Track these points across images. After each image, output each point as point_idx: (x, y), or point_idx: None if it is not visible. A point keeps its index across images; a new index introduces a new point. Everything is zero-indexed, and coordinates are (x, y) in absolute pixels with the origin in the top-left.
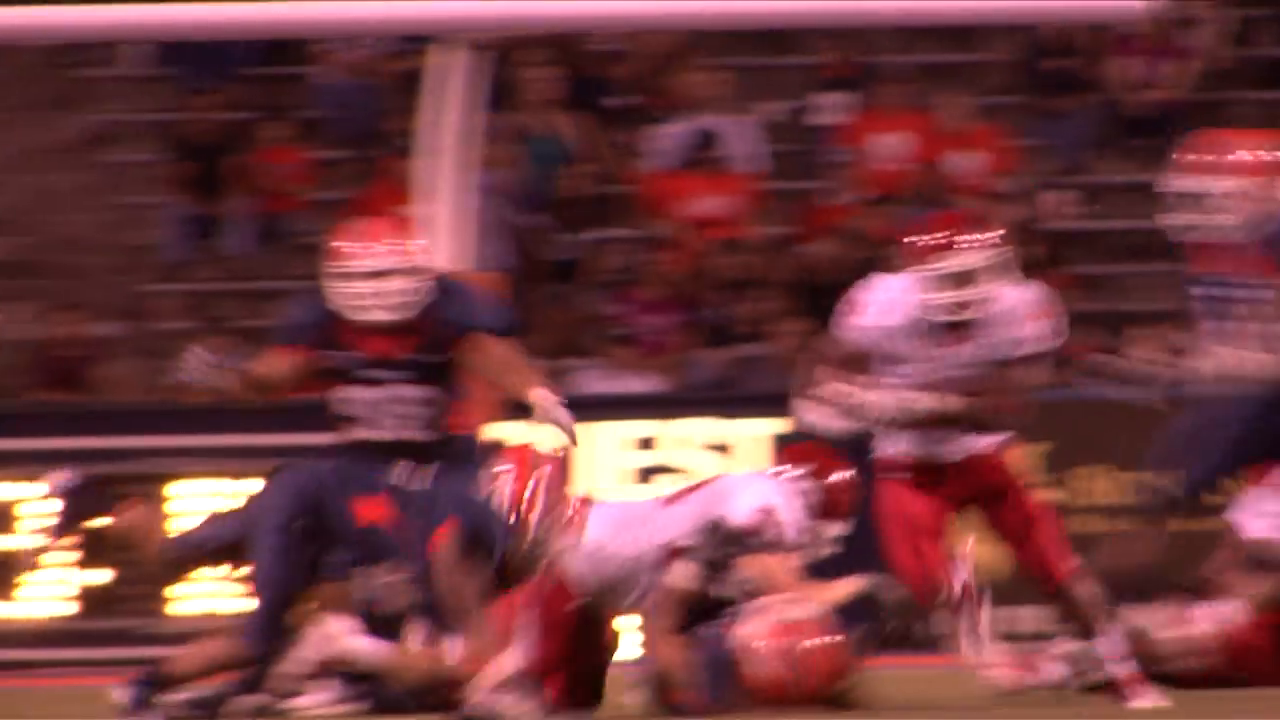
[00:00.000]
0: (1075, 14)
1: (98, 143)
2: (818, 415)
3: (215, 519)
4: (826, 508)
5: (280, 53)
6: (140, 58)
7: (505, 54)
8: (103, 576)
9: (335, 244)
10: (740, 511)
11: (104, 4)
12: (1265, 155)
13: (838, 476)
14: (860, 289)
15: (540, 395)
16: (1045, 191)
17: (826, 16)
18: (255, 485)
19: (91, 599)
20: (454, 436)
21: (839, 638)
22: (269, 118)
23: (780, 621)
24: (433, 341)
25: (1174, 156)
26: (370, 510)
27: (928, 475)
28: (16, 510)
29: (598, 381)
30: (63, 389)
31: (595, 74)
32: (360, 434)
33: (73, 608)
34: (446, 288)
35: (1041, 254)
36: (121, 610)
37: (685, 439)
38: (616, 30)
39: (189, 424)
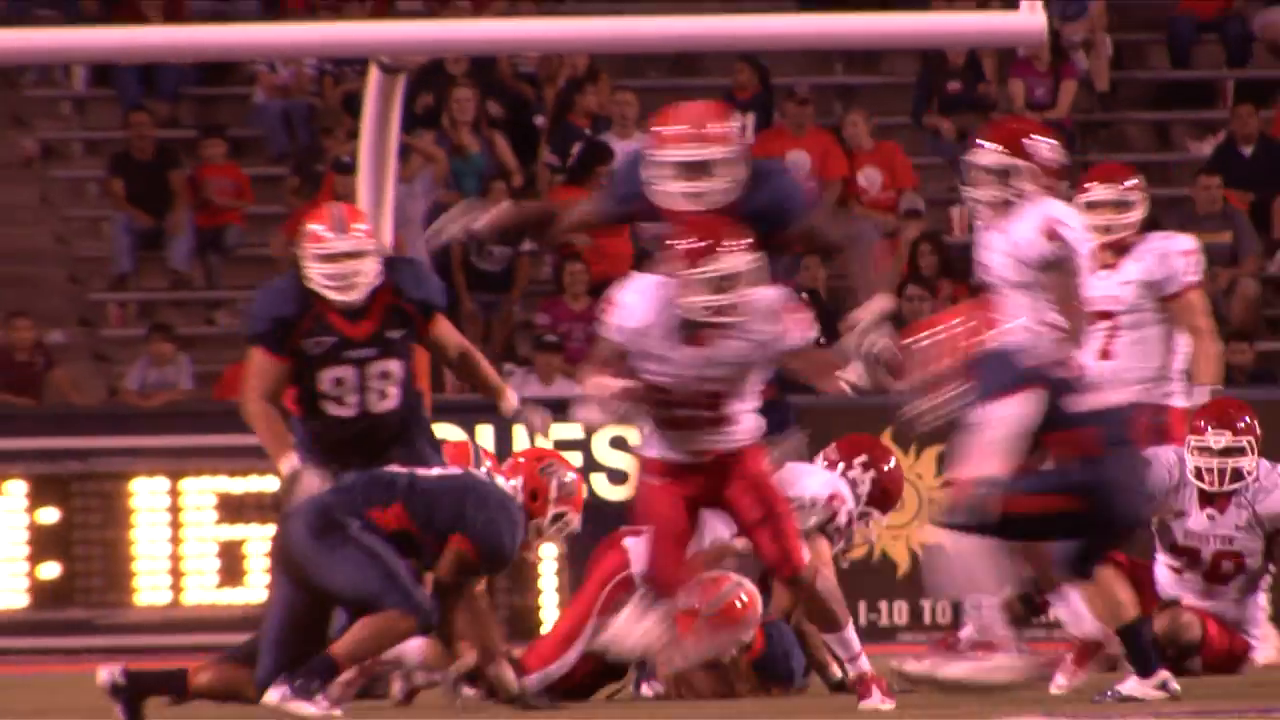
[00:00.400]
0: (976, 38)
1: (47, 159)
2: (586, 412)
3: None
4: (877, 497)
5: (217, 74)
6: (84, 78)
7: (428, 74)
8: (53, 570)
9: (313, 228)
10: (811, 494)
11: (48, 29)
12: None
13: (889, 467)
14: (618, 288)
15: (510, 397)
16: (949, 206)
17: (733, 40)
18: (209, 484)
19: (43, 592)
20: (417, 408)
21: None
22: (207, 136)
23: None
24: (399, 319)
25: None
26: (387, 519)
27: (677, 474)
28: None
29: (529, 388)
30: (19, 393)
31: (516, 93)
32: (341, 412)
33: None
34: (398, 266)
35: (943, 266)
36: (75, 602)
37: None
38: (531, 53)
39: (141, 426)
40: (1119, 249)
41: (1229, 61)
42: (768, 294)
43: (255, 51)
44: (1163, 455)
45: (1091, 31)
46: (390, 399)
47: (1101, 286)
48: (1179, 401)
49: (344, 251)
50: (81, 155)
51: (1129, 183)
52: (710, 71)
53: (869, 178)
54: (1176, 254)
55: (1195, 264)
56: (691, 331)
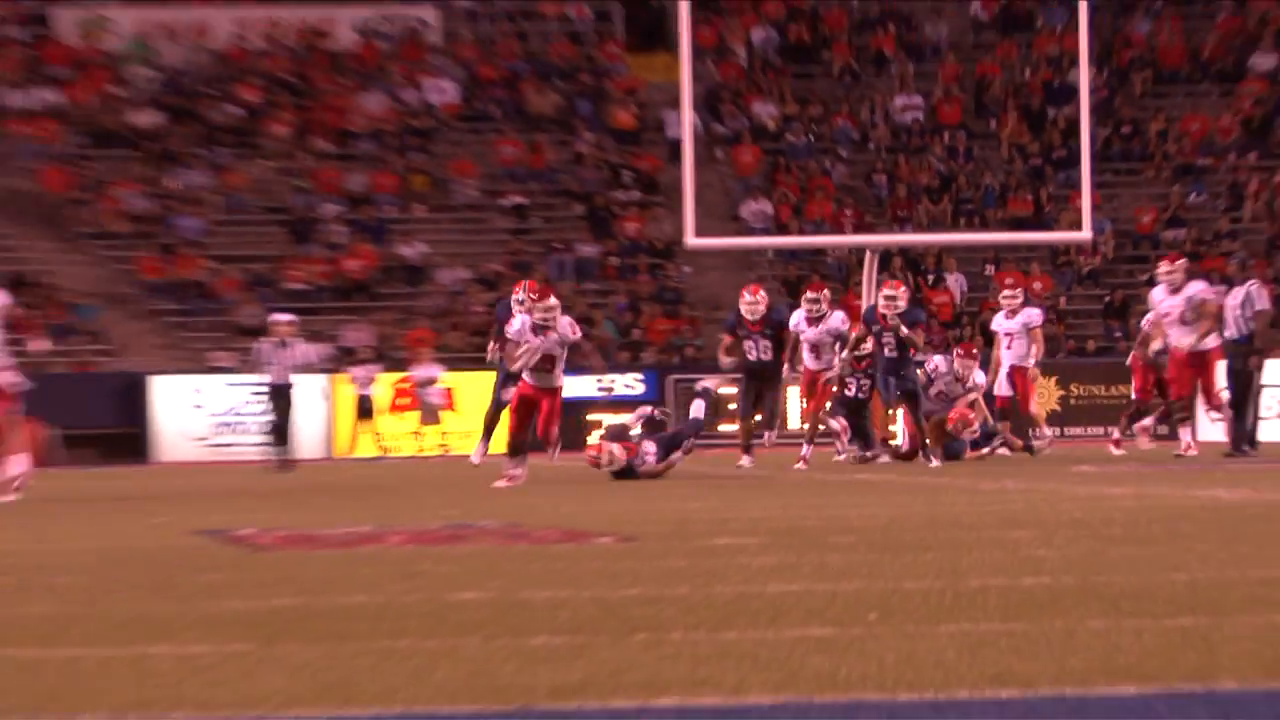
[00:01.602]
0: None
1: None
2: (518, 365)
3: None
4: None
5: None
6: None
7: None
8: None
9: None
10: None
11: None
12: None
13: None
14: (507, 312)
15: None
16: None
17: None
18: None
19: None
20: None
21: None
22: None
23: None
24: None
25: None
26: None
27: (534, 390)
28: None
29: None
30: None
31: None
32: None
33: None
34: None
35: None
36: None
37: None
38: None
39: None
40: None
41: None
42: (562, 319)
43: None
44: None
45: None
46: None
47: None
48: None
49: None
50: None
51: None
52: None
53: None
54: None
55: None
56: (539, 331)
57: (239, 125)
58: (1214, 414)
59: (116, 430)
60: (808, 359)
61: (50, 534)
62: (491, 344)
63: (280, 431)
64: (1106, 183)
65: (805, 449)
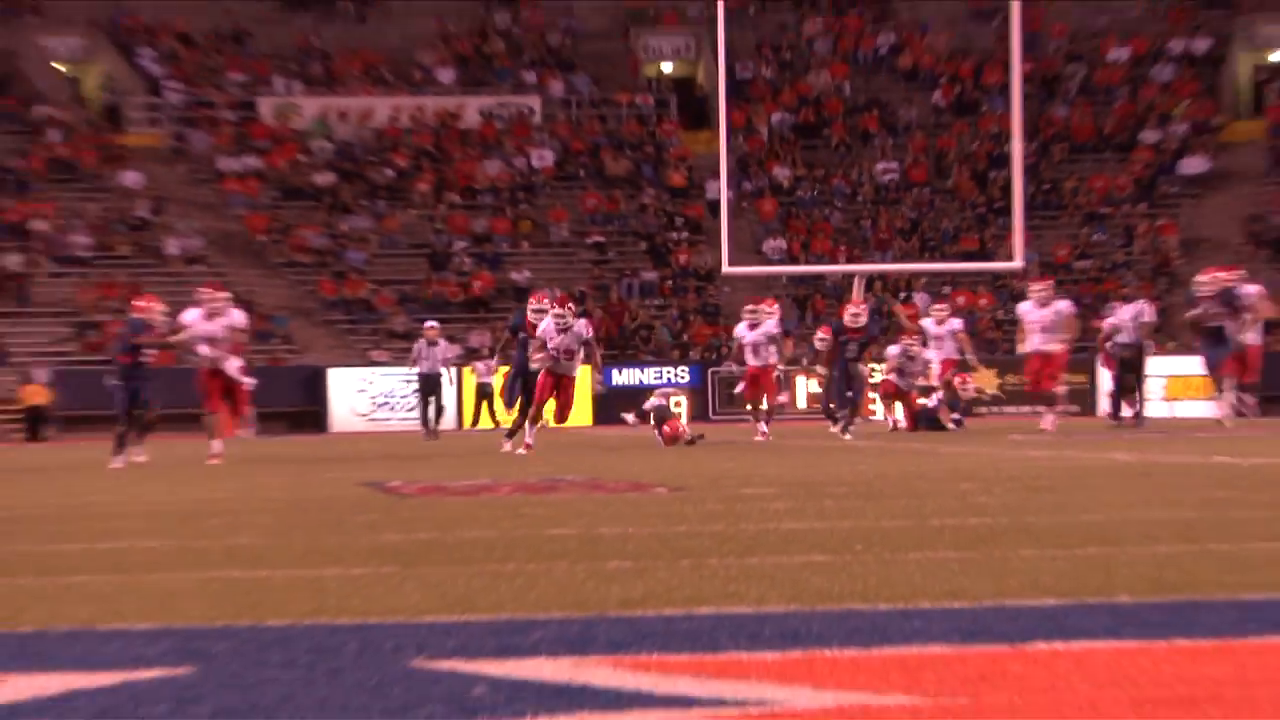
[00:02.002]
0: None
1: None
2: (538, 363)
3: None
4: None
5: None
6: None
7: None
8: None
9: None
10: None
11: None
12: None
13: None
14: (521, 318)
15: None
16: None
17: None
18: None
19: None
20: None
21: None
22: None
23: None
24: None
25: None
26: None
27: (556, 376)
28: None
29: None
30: None
31: None
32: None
33: None
34: None
35: None
36: None
37: None
38: None
39: None
40: None
41: None
42: (578, 321)
43: None
44: None
45: None
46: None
47: None
48: None
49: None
50: None
51: None
52: None
53: None
54: None
55: None
56: (562, 330)
57: (392, 184)
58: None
59: (301, 409)
60: (749, 358)
61: (251, 486)
62: (505, 339)
63: (429, 410)
64: (1034, 226)
65: (763, 426)
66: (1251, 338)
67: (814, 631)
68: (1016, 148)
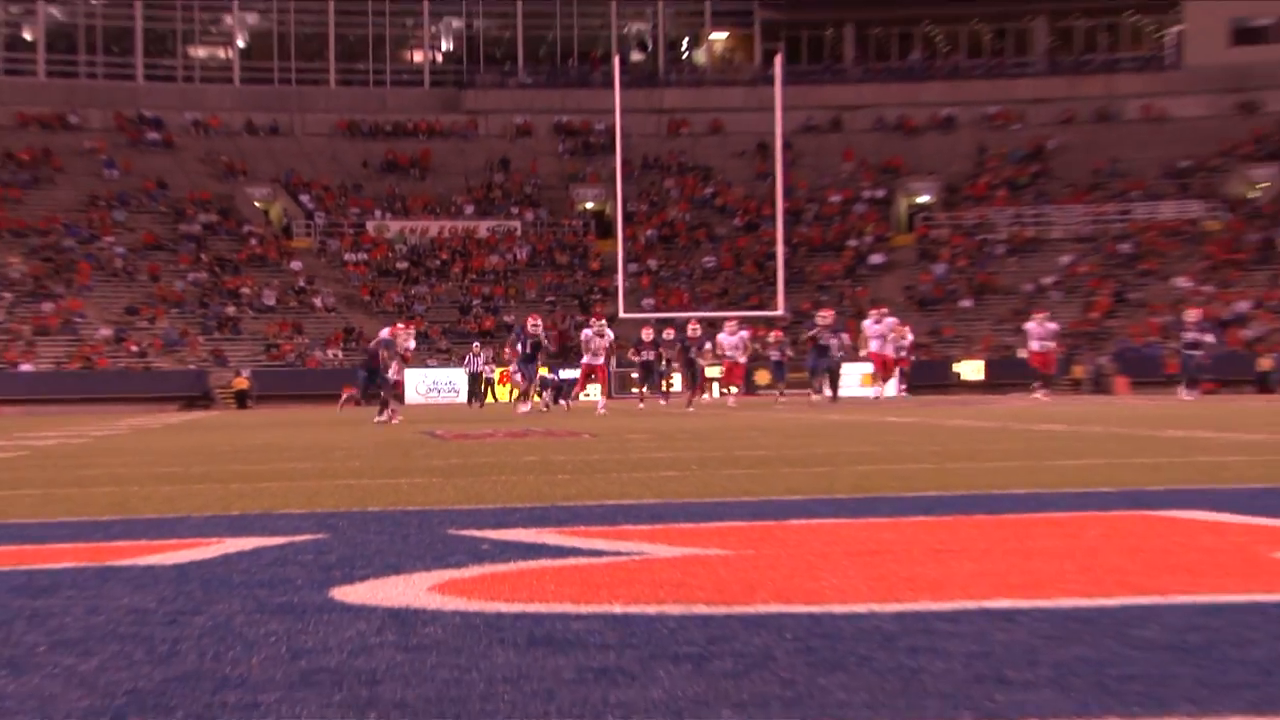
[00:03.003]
0: None
1: None
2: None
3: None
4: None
5: None
6: None
7: None
8: None
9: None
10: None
11: None
12: None
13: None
14: (522, 332)
15: None
16: None
17: None
18: None
19: None
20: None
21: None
22: None
23: None
24: None
25: None
26: None
27: (592, 366)
28: None
29: None
30: None
31: None
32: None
33: None
34: None
35: None
36: None
37: None
38: None
39: None
40: None
41: None
42: (608, 329)
43: None
44: None
45: None
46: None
47: None
48: None
49: None
50: None
51: None
52: None
53: None
54: None
55: None
56: (599, 335)
57: (439, 269)
58: (878, 387)
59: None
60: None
61: (358, 433)
62: (507, 349)
63: (472, 393)
64: (793, 290)
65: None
66: (889, 349)
67: (669, 514)
68: (779, 250)
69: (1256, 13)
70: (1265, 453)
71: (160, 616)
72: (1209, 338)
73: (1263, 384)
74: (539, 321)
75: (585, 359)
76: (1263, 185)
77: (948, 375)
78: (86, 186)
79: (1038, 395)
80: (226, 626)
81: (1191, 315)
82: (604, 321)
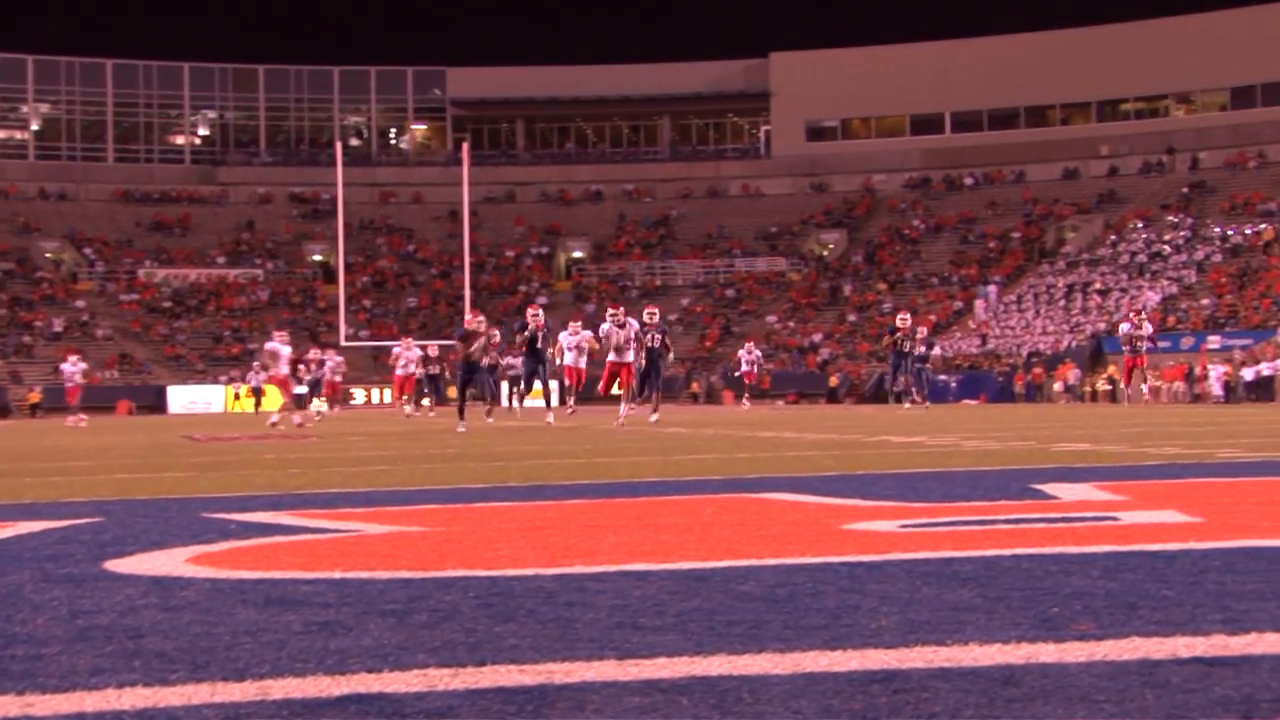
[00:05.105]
0: None
1: None
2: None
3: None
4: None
5: None
6: None
7: None
8: None
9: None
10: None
11: None
12: None
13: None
14: (524, 325)
15: None
16: None
17: None
18: None
19: None
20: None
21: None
22: None
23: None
24: None
25: None
26: None
27: (616, 366)
28: None
29: None
30: None
31: None
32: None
33: None
34: None
35: None
36: None
37: None
38: None
39: None
40: None
41: None
42: (632, 320)
43: None
44: None
45: None
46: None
47: None
48: None
49: None
50: None
51: None
52: None
53: None
54: None
55: None
56: (620, 327)
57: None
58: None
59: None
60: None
61: (127, 441)
62: (517, 339)
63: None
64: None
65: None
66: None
67: (380, 499)
68: (467, 293)
69: (825, 116)
70: (835, 449)
71: None
72: (758, 359)
73: (832, 396)
74: (539, 311)
75: (611, 357)
76: (830, 246)
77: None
78: None
79: (745, 405)
80: (17, 594)
81: (747, 345)
82: (622, 310)
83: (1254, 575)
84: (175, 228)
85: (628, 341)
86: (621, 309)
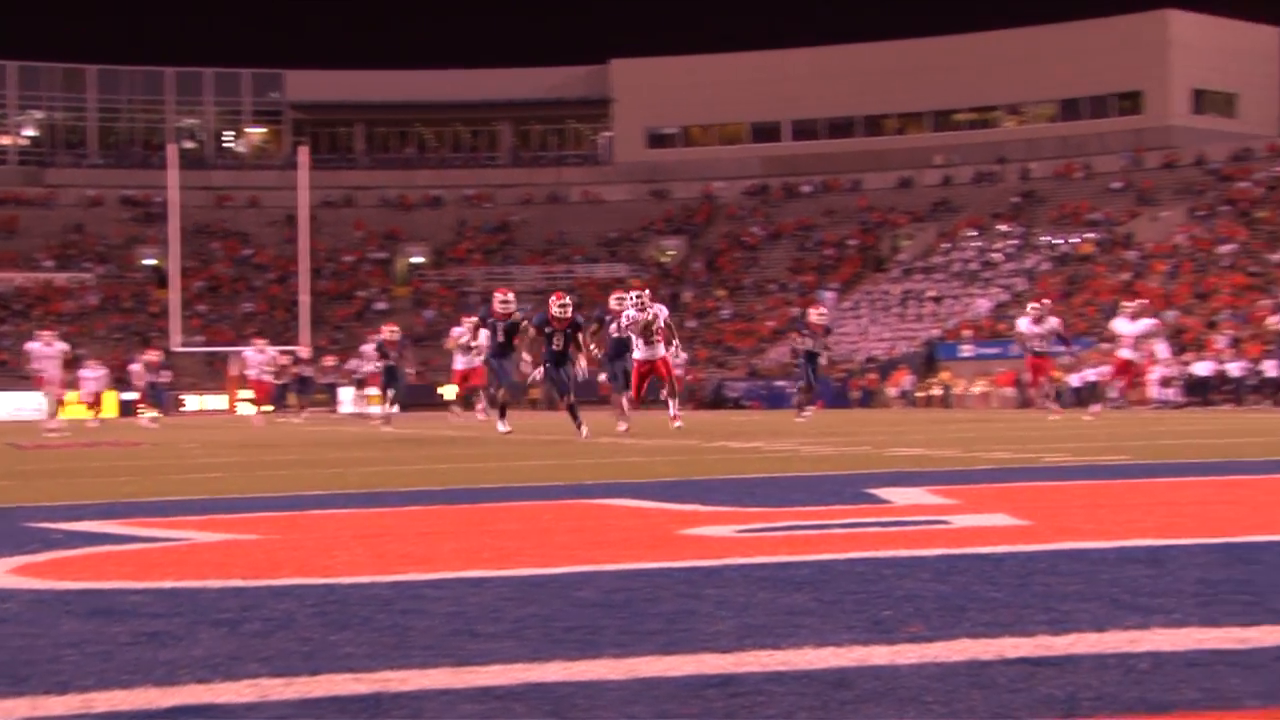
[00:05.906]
0: None
1: None
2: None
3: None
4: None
5: None
6: None
7: None
8: None
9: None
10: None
11: None
12: None
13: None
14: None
15: None
16: None
17: None
18: None
19: None
20: None
21: None
22: None
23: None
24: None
25: None
26: None
27: (646, 365)
28: None
29: None
30: None
31: None
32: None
33: None
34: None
35: None
36: None
37: None
38: None
39: None
40: None
41: None
42: (661, 306)
43: None
44: None
45: None
46: None
47: None
48: None
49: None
50: None
51: None
52: None
53: None
54: None
55: None
56: (642, 310)
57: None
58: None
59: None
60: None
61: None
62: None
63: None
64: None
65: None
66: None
67: (214, 507)
68: (304, 298)
69: (665, 123)
70: (675, 454)
71: None
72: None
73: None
74: (509, 297)
75: (637, 354)
76: (671, 253)
77: (434, 396)
78: None
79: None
80: None
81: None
82: (648, 292)
83: (1077, 577)
84: (0, 230)
85: (658, 331)
86: (647, 291)
